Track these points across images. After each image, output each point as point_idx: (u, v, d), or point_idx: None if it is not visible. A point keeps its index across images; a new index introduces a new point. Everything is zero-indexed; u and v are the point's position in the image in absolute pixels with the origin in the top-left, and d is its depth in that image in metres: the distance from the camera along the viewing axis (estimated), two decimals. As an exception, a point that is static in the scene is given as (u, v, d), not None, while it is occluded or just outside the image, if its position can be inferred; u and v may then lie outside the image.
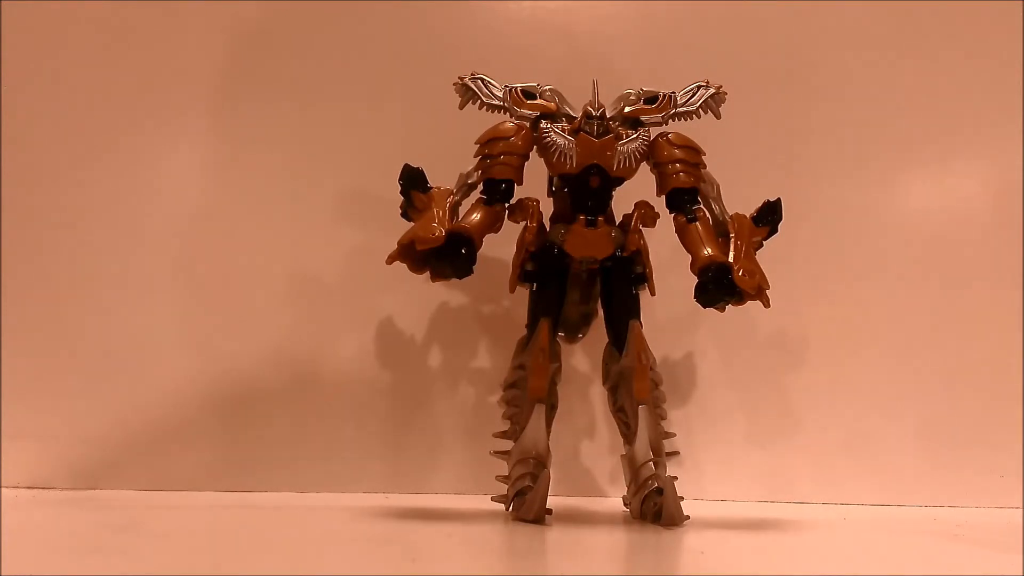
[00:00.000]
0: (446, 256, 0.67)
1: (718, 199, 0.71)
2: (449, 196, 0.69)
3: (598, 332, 0.75)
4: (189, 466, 0.80)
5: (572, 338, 0.78)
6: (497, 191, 0.70)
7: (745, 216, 0.71)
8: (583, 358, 0.83)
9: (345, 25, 0.85)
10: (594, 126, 0.68)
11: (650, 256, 0.71)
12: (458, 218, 0.69)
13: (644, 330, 0.70)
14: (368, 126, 0.84)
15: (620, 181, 0.70)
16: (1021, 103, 0.87)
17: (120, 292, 0.81)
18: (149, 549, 0.58)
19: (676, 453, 0.72)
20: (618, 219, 0.71)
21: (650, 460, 0.69)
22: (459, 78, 0.70)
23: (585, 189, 0.69)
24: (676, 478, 0.67)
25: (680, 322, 0.83)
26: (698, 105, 0.71)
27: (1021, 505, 0.83)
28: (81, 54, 0.83)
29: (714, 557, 0.60)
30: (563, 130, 0.68)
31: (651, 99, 0.70)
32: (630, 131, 0.69)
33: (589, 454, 0.84)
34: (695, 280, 0.69)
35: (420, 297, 0.82)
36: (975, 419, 0.85)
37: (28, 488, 0.79)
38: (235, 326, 0.82)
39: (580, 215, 0.69)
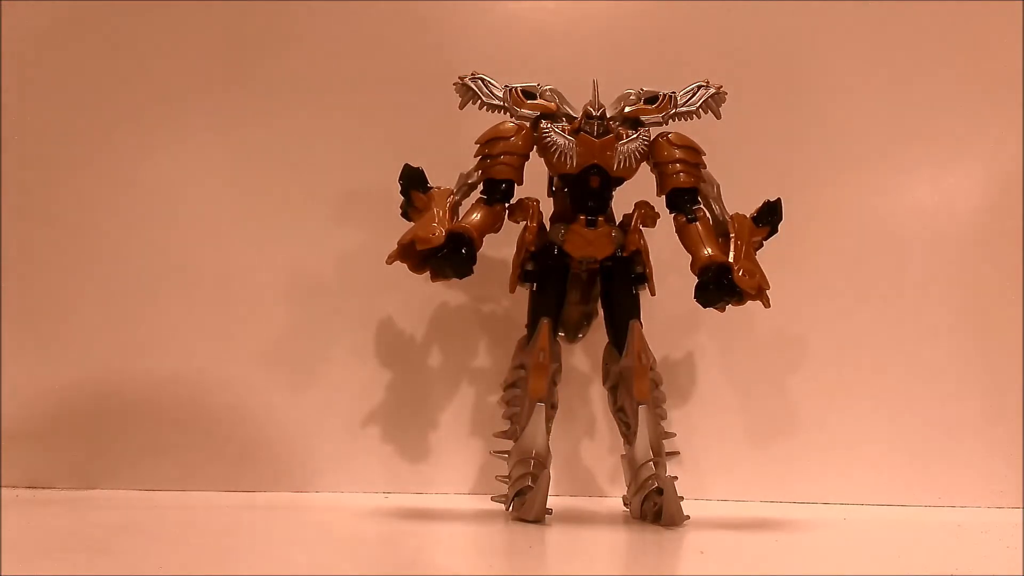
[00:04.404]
0: (446, 256, 0.67)
1: (718, 199, 0.71)
2: (449, 196, 0.69)
3: (598, 332, 0.75)
4: (189, 466, 0.80)
5: (572, 338, 0.78)
6: (497, 191, 0.70)
7: (745, 216, 0.71)
8: (583, 358, 0.83)
9: (345, 25, 0.85)
10: (594, 126, 0.68)
11: (650, 256, 0.71)
12: (458, 218, 0.69)
13: (644, 330, 0.70)
14: (368, 126, 0.84)
15: (620, 181, 0.70)
16: (1021, 103, 0.87)
17: (120, 292, 0.81)
18: (149, 549, 0.58)
19: (676, 453, 0.72)
20: (618, 219, 0.71)
21: (650, 460, 0.69)
22: (459, 78, 0.70)
23: (585, 189, 0.69)
24: (676, 478, 0.67)
25: (680, 322, 0.83)
26: (698, 105, 0.71)
27: (1021, 505, 0.83)
28: (81, 55, 0.83)
29: (714, 557, 0.60)
30: (563, 130, 0.68)
31: (651, 99, 0.71)
32: (630, 131, 0.69)
33: (589, 454, 0.84)
34: (695, 280, 0.69)
35: (420, 297, 0.82)
36: (974, 419, 0.85)
37: (28, 488, 0.79)
38: (235, 326, 0.82)
39: (580, 215, 0.69)
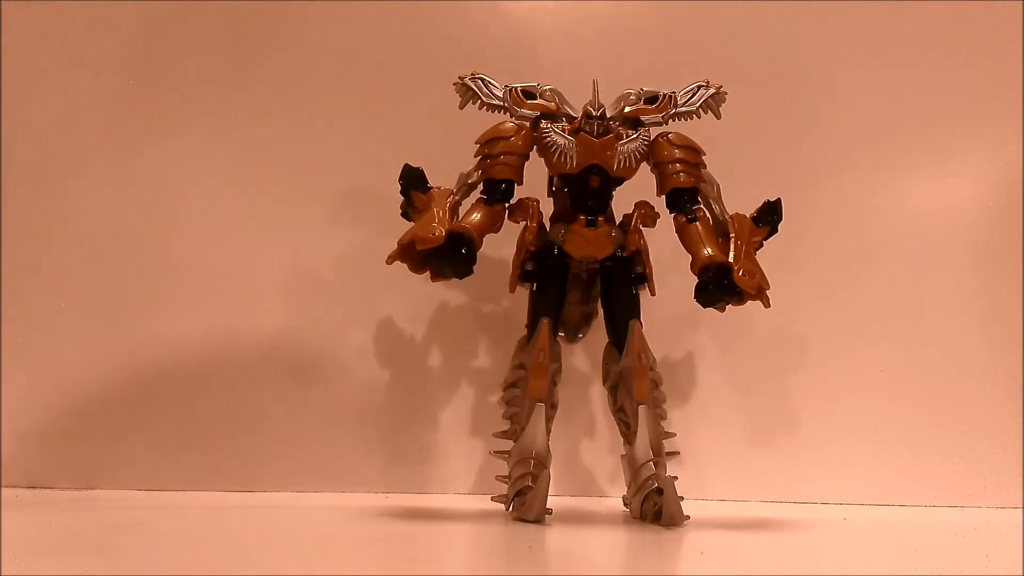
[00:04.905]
0: (446, 256, 0.67)
1: (718, 199, 0.71)
2: (449, 196, 0.69)
3: (598, 332, 0.75)
4: (189, 466, 0.80)
5: (572, 338, 0.78)
6: (497, 191, 0.70)
7: (745, 216, 0.71)
8: (583, 358, 0.83)
9: (345, 24, 0.85)
10: (594, 126, 0.68)
11: (650, 256, 0.71)
12: (458, 218, 0.69)
13: (644, 330, 0.70)
14: (368, 126, 0.84)
15: (620, 181, 0.70)
16: (1021, 103, 0.87)
17: (120, 292, 0.81)
18: (149, 549, 0.58)
19: (676, 453, 0.72)
20: (618, 219, 0.71)
21: (650, 460, 0.69)
22: (459, 78, 0.70)
23: (585, 189, 0.69)
24: (676, 478, 0.67)
25: (680, 322, 0.83)
26: (698, 105, 0.71)
27: (1021, 505, 0.83)
28: (81, 55, 0.83)
29: (714, 557, 0.60)
30: (563, 130, 0.68)
31: (651, 99, 0.71)
32: (630, 131, 0.69)
33: (589, 454, 0.84)
34: (695, 280, 0.69)
35: (420, 297, 0.82)
36: (975, 419, 0.85)
37: (28, 488, 0.79)
38: (235, 326, 0.82)
39: (580, 215, 0.69)
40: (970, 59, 0.88)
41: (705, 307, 0.69)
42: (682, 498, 0.66)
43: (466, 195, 0.70)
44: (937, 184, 0.88)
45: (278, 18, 0.84)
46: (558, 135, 0.68)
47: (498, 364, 0.82)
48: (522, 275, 0.72)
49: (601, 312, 0.74)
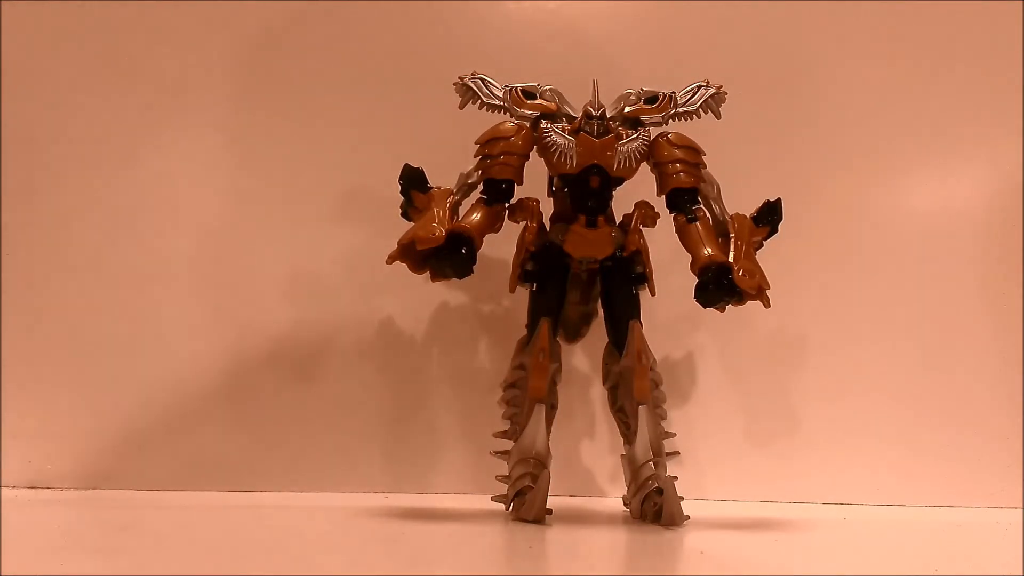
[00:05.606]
0: (446, 256, 0.67)
1: (718, 199, 0.71)
2: (449, 196, 0.69)
3: (598, 332, 0.75)
4: (189, 466, 0.80)
5: (572, 338, 0.78)
6: (497, 191, 0.70)
7: (745, 216, 0.71)
8: (583, 358, 0.83)
9: (345, 25, 0.85)
10: (594, 126, 0.68)
11: (650, 256, 0.71)
12: (458, 218, 0.69)
13: (644, 330, 0.70)
14: (368, 126, 0.84)
15: (620, 181, 0.70)
16: (1021, 103, 0.87)
17: (120, 292, 0.81)
18: (149, 549, 0.58)
19: (676, 453, 0.72)
20: (618, 219, 0.71)
21: (650, 460, 0.69)
22: (459, 78, 0.70)
23: (585, 189, 0.69)
24: (676, 478, 0.67)
25: (680, 322, 0.83)
26: (698, 105, 0.71)
27: (1021, 505, 0.83)
28: (82, 54, 0.83)
29: (714, 557, 0.60)
30: (563, 130, 0.68)
31: (651, 99, 0.70)
32: (630, 131, 0.69)
33: (589, 454, 0.84)
34: (695, 280, 0.69)
35: (420, 297, 0.82)
36: (975, 419, 0.85)
37: (28, 488, 0.79)
38: (235, 326, 0.82)
39: (580, 215, 0.69)
40: (970, 59, 0.88)
41: (705, 307, 0.69)
42: (682, 498, 0.66)
43: (466, 195, 0.70)
44: (937, 184, 0.88)
45: (278, 18, 0.84)
46: (558, 135, 0.68)
47: (498, 364, 0.82)
48: (522, 275, 0.72)
49: (601, 312, 0.74)
